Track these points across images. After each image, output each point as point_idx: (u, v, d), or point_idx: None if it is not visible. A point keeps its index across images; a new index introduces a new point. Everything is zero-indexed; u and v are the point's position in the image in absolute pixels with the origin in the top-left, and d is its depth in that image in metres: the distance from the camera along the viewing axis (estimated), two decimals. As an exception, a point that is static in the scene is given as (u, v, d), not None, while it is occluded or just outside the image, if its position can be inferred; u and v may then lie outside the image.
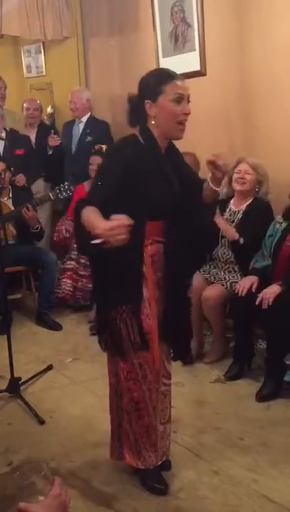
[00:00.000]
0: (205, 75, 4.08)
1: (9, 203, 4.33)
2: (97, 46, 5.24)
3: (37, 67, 5.91)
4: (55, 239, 4.66)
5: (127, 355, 2.17)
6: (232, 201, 3.63)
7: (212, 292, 3.45)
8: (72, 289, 4.40)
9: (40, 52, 5.79)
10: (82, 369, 3.55)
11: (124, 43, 4.88)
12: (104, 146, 4.44)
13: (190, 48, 4.14)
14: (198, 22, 4.03)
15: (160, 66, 4.32)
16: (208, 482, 2.38)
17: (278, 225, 3.34)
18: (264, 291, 3.09)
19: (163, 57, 4.39)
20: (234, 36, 3.86)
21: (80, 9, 5.32)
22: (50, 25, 5.26)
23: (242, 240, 3.41)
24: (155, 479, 2.33)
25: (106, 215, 1.86)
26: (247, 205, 3.54)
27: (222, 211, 3.58)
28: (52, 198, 4.42)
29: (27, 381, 3.30)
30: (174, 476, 2.41)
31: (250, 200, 3.55)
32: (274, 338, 3.07)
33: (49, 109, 5.66)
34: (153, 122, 2.08)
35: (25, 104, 5.23)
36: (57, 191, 4.35)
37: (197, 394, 3.18)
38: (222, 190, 3.44)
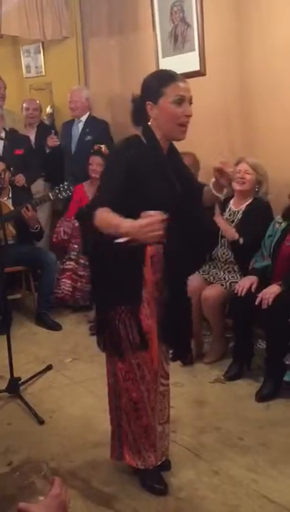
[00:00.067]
0: (204, 75, 4.07)
1: (9, 203, 4.33)
2: (96, 46, 5.24)
3: (36, 67, 5.91)
4: (54, 240, 4.65)
5: (125, 356, 2.17)
6: (231, 201, 3.63)
7: (212, 292, 3.45)
8: (71, 289, 4.40)
9: (40, 52, 5.79)
10: (82, 369, 3.55)
11: (124, 43, 4.87)
12: (103, 146, 4.44)
13: (190, 47, 4.14)
14: (198, 22, 4.03)
15: (160, 66, 4.32)
16: (208, 482, 2.38)
17: (277, 225, 3.34)
18: (264, 291, 3.09)
19: (163, 57, 4.38)
20: (233, 36, 3.85)
21: (80, 9, 5.32)
22: (49, 25, 5.26)
23: (241, 240, 3.40)
24: (155, 479, 2.33)
25: None
26: (247, 205, 3.54)
27: (222, 211, 3.58)
28: (51, 198, 4.42)
29: (27, 381, 3.30)
30: (174, 476, 2.41)
31: (250, 200, 3.55)
32: (273, 338, 3.08)
33: (48, 109, 5.66)
34: (154, 124, 2.09)
35: (24, 104, 5.22)
36: (57, 191, 4.36)
37: (197, 394, 3.18)
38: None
